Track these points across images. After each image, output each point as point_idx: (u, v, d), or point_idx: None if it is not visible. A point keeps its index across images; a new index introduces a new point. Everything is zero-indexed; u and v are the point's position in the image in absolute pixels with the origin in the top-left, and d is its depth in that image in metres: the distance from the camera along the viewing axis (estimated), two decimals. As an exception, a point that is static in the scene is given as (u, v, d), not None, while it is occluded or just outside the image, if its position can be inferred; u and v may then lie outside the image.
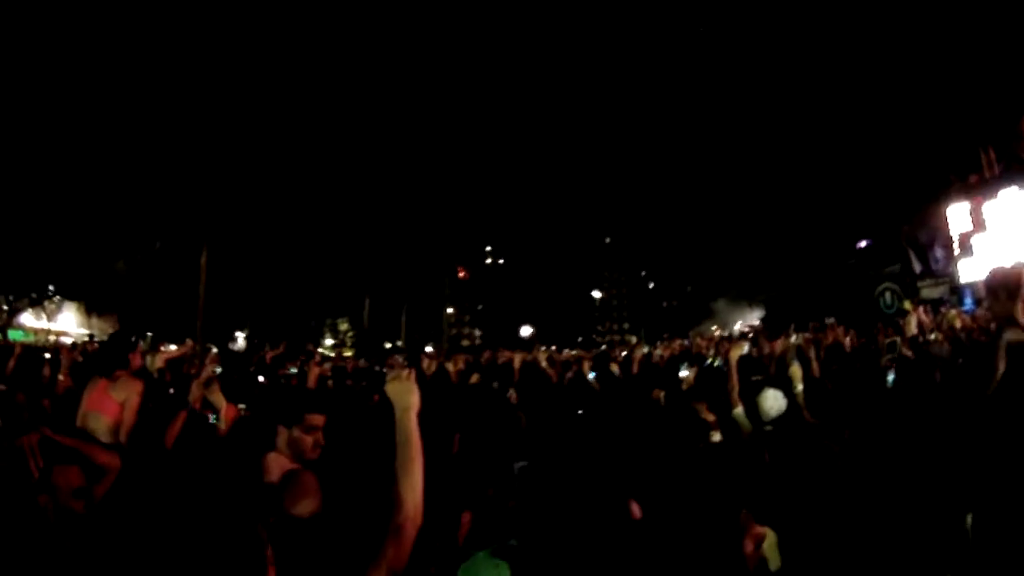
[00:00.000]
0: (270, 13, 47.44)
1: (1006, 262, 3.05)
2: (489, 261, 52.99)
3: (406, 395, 1.78)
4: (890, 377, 4.22)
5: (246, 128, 42.79)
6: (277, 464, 2.41)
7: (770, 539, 1.89)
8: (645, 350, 9.24)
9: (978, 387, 2.97)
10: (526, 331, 45.50)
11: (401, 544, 1.60)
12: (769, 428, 3.50)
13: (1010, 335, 2.86)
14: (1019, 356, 2.87)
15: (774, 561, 1.87)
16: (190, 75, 42.50)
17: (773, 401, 3.67)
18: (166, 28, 41.87)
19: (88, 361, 7.44)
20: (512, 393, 5.12)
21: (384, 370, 9.42)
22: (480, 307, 51.41)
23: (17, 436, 2.32)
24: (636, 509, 2.40)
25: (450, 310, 49.49)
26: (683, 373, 5.11)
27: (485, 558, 1.94)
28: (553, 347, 18.39)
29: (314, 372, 6.47)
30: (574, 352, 12.04)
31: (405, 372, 1.86)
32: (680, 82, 46.32)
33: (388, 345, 48.46)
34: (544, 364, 6.89)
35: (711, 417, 3.57)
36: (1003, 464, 2.05)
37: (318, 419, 2.62)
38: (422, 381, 2.10)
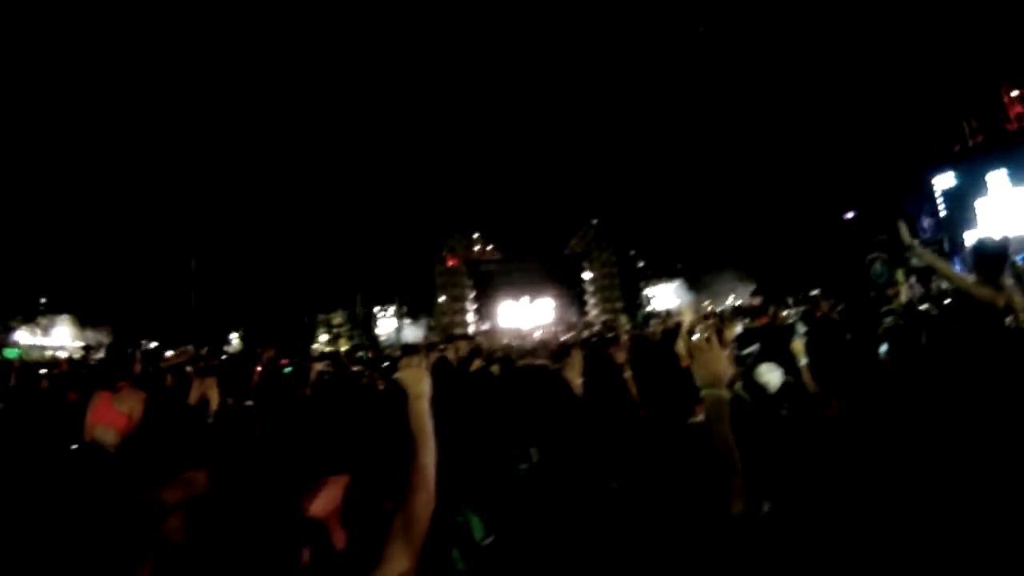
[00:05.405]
0: (235, 11, 46.94)
1: (994, 234, 3.11)
2: (478, 248, 52.75)
3: (418, 382, 1.79)
4: (883, 348, 4.26)
5: (227, 130, 42.45)
6: None
7: None
8: (628, 327, 9.26)
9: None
10: (517, 316, 45.42)
11: (420, 501, 1.61)
12: (772, 401, 3.58)
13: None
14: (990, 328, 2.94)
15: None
16: (166, 84, 42.06)
17: (769, 375, 3.76)
18: (137, 40, 41.38)
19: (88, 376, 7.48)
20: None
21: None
22: (473, 294, 51.24)
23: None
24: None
25: (442, 299, 49.38)
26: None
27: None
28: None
29: (314, 369, 6.53)
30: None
31: (416, 359, 1.88)
32: (666, 59, 46.19)
33: (383, 337, 48.40)
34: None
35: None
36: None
37: None
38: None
